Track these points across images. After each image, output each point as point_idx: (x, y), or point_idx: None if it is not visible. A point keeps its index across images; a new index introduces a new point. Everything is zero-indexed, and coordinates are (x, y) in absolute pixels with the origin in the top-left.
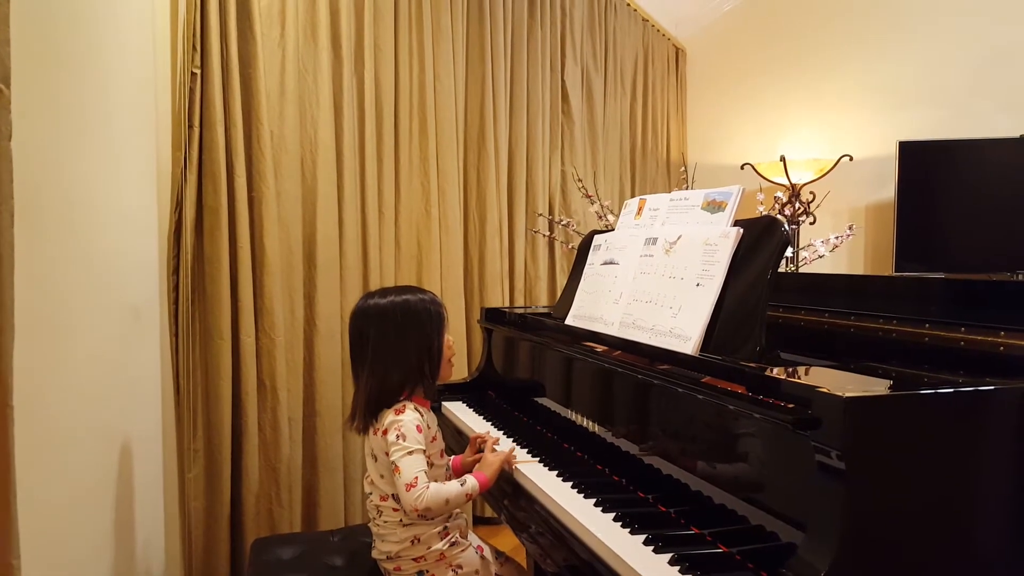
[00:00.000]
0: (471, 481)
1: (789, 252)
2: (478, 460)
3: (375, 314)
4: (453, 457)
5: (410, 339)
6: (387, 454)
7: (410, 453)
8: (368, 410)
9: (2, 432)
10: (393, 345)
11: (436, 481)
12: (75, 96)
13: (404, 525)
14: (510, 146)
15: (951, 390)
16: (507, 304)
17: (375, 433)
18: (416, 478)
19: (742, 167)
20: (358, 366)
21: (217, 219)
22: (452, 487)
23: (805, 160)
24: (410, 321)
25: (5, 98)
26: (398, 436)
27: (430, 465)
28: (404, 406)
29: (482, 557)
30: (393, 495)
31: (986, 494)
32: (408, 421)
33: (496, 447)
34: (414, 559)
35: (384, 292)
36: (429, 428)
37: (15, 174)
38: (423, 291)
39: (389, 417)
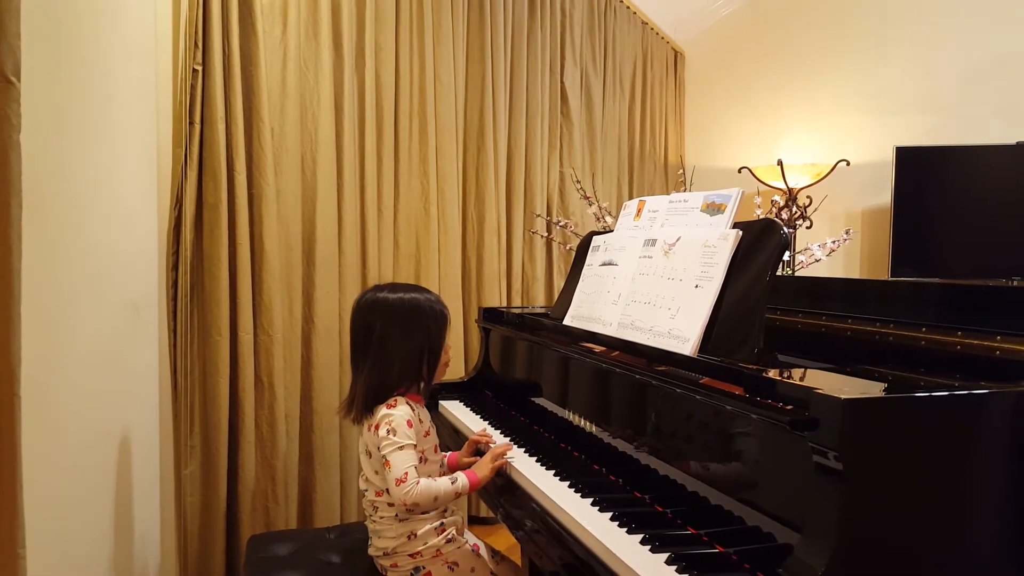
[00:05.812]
0: (462, 480)
1: (787, 256)
2: (474, 462)
3: (385, 308)
4: (449, 453)
5: (415, 338)
6: (379, 448)
7: (400, 448)
8: (365, 403)
9: (9, 422)
10: (398, 341)
11: (430, 476)
12: (76, 92)
13: (400, 521)
14: (509, 147)
15: (947, 393)
16: (505, 304)
17: (368, 429)
18: (406, 473)
19: (739, 171)
20: (360, 357)
21: (217, 216)
22: (442, 484)
23: (802, 164)
24: (418, 320)
25: (15, 91)
26: (389, 431)
27: (424, 461)
28: (396, 401)
29: (478, 555)
30: (387, 490)
31: (981, 496)
32: (399, 416)
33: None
34: (410, 555)
35: (394, 287)
36: (422, 423)
37: None
38: (430, 292)
39: (381, 412)
